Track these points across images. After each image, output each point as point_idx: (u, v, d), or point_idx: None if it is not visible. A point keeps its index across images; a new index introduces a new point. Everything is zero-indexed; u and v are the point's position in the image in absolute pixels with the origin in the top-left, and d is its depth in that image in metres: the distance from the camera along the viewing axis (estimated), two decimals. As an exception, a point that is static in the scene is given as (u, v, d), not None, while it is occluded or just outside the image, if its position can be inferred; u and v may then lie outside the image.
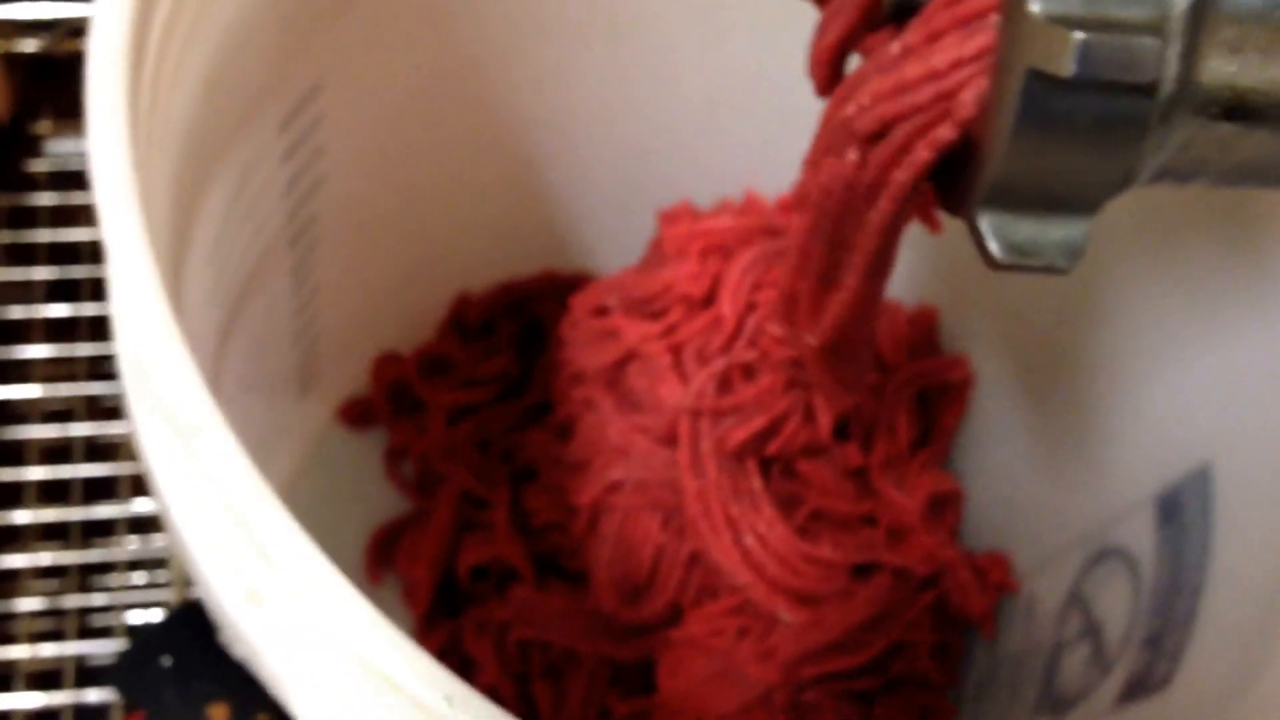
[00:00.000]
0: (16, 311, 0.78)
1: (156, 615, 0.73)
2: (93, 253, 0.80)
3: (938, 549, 0.68)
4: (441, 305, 0.81)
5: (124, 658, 0.59)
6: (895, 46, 0.39)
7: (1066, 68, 0.33)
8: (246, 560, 0.34)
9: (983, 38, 0.37)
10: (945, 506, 0.71)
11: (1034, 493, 0.67)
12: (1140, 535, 0.57)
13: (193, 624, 0.57)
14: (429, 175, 0.72)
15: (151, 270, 0.37)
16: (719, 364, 0.68)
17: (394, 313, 0.79)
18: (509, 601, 0.70)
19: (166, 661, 0.56)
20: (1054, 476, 0.66)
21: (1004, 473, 0.70)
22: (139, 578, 0.75)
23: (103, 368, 0.78)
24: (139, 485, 0.75)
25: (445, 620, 0.72)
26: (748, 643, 0.65)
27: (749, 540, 0.65)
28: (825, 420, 0.67)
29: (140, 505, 0.75)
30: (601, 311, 0.73)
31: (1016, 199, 0.37)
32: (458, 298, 0.81)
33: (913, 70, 0.38)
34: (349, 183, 0.66)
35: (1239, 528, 0.51)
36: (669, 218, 0.75)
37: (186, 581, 0.72)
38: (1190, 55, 0.34)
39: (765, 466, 0.67)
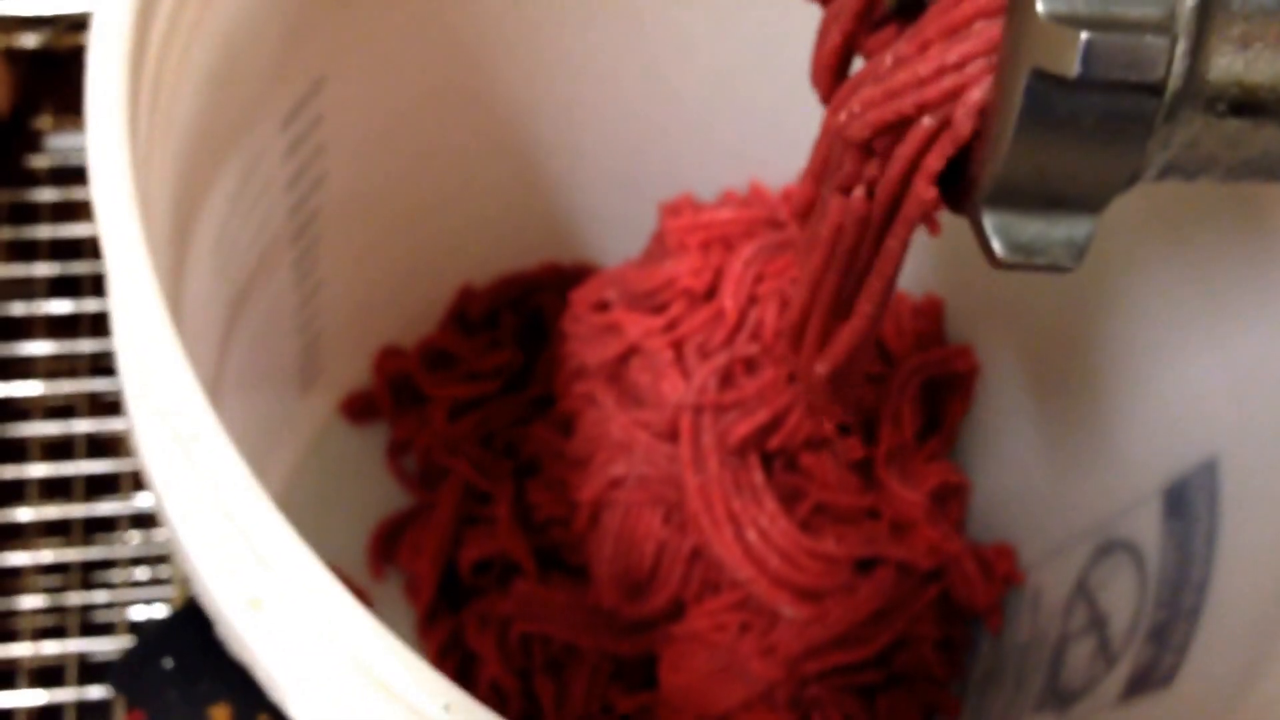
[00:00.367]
0: (18, 308, 0.78)
1: (159, 611, 0.73)
2: (94, 248, 0.80)
3: (942, 542, 0.67)
4: (443, 298, 0.81)
5: (125, 658, 0.59)
6: (889, 57, 0.39)
7: (1071, 67, 0.32)
8: (245, 566, 0.34)
9: (967, 45, 0.37)
10: (951, 498, 0.71)
11: (1040, 484, 0.67)
12: (1147, 528, 0.57)
13: (194, 624, 0.56)
14: (431, 169, 0.72)
15: (149, 273, 0.36)
16: (721, 358, 0.68)
17: (396, 306, 0.79)
18: (511, 596, 0.69)
19: (168, 663, 0.56)
20: (1061, 468, 0.65)
21: (1010, 464, 0.70)
22: (141, 574, 0.75)
23: (104, 363, 0.78)
24: (141, 481, 0.74)
25: (448, 614, 0.72)
26: (750, 638, 0.65)
27: (751, 535, 0.65)
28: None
29: (142, 501, 0.75)
30: (602, 306, 0.72)
31: (1021, 198, 0.37)
32: (460, 290, 0.80)
33: (900, 78, 0.38)
34: (351, 178, 0.66)
35: (1246, 521, 0.50)
36: (670, 210, 0.74)
37: (188, 579, 0.72)
38: (1198, 52, 0.34)
39: (767, 461, 0.67)
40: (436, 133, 0.71)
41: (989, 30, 0.36)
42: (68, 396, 0.78)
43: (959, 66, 0.37)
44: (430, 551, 0.72)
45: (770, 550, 0.65)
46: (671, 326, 0.70)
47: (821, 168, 0.44)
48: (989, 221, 0.37)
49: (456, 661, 0.70)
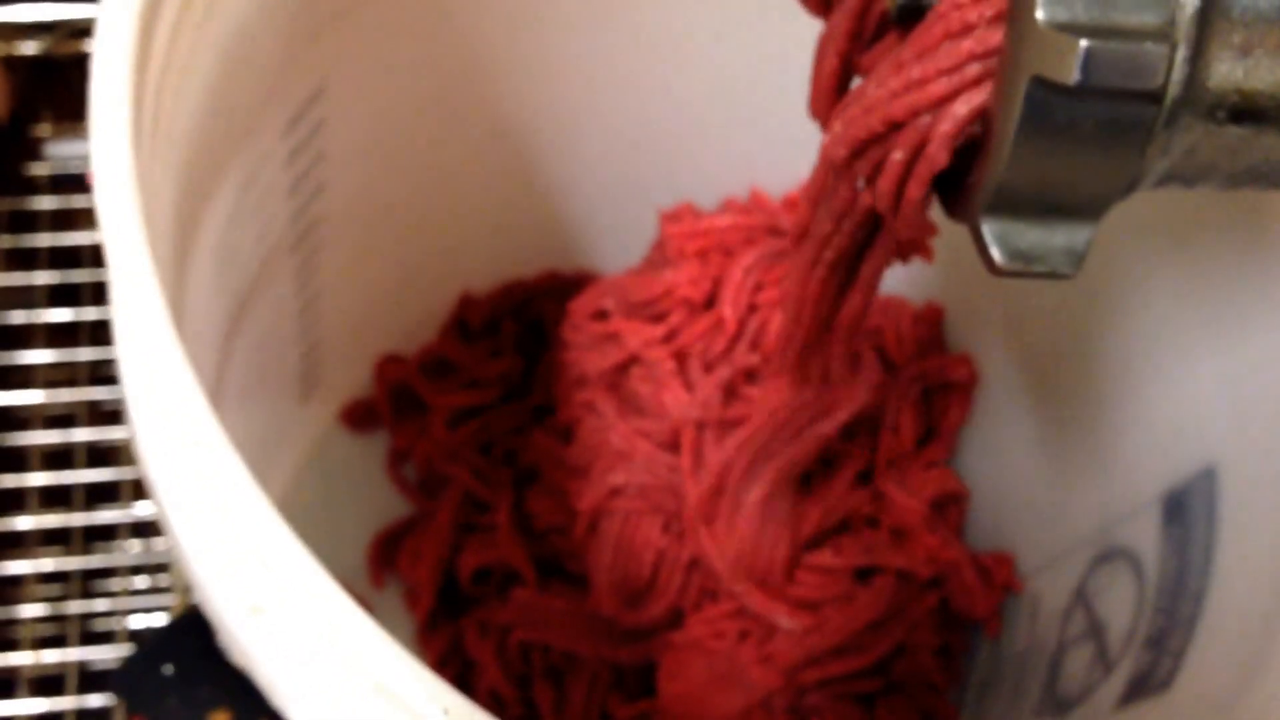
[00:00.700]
0: (18, 316, 0.78)
1: (159, 620, 0.73)
2: (94, 257, 0.80)
3: (941, 550, 0.67)
4: (444, 307, 0.81)
5: (126, 665, 0.59)
6: (870, 83, 0.39)
7: (1071, 75, 0.33)
8: (247, 572, 0.34)
9: (931, 64, 0.37)
10: (950, 506, 0.71)
11: (1040, 492, 0.67)
12: (1145, 535, 0.57)
13: (195, 631, 0.56)
14: (431, 177, 0.72)
15: (153, 280, 0.37)
16: (724, 372, 0.68)
17: (396, 315, 0.79)
18: (511, 604, 0.70)
19: (168, 669, 0.56)
20: (1060, 476, 0.65)
21: (1010, 472, 0.70)
22: (141, 582, 0.74)
23: (104, 372, 0.78)
24: (141, 490, 0.75)
25: (447, 622, 0.72)
26: (749, 646, 0.65)
27: (747, 548, 0.65)
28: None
29: (142, 509, 0.75)
30: (600, 315, 0.73)
31: (1020, 205, 0.37)
32: (461, 299, 0.80)
33: (874, 94, 0.38)
34: (352, 186, 0.66)
35: (1243, 528, 0.50)
36: (670, 218, 0.74)
37: (188, 587, 0.72)
38: (1197, 59, 0.34)
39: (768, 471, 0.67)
40: (438, 141, 0.71)
41: (955, 49, 0.37)
42: (68, 405, 0.77)
43: (922, 83, 0.37)
44: (430, 560, 0.72)
45: (766, 563, 0.65)
46: (671, 336, 0.70)
47: (818, 193, 0.44)
48: (988, 229, 0.38)
49: (456, 669, 0.70)
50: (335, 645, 0.33)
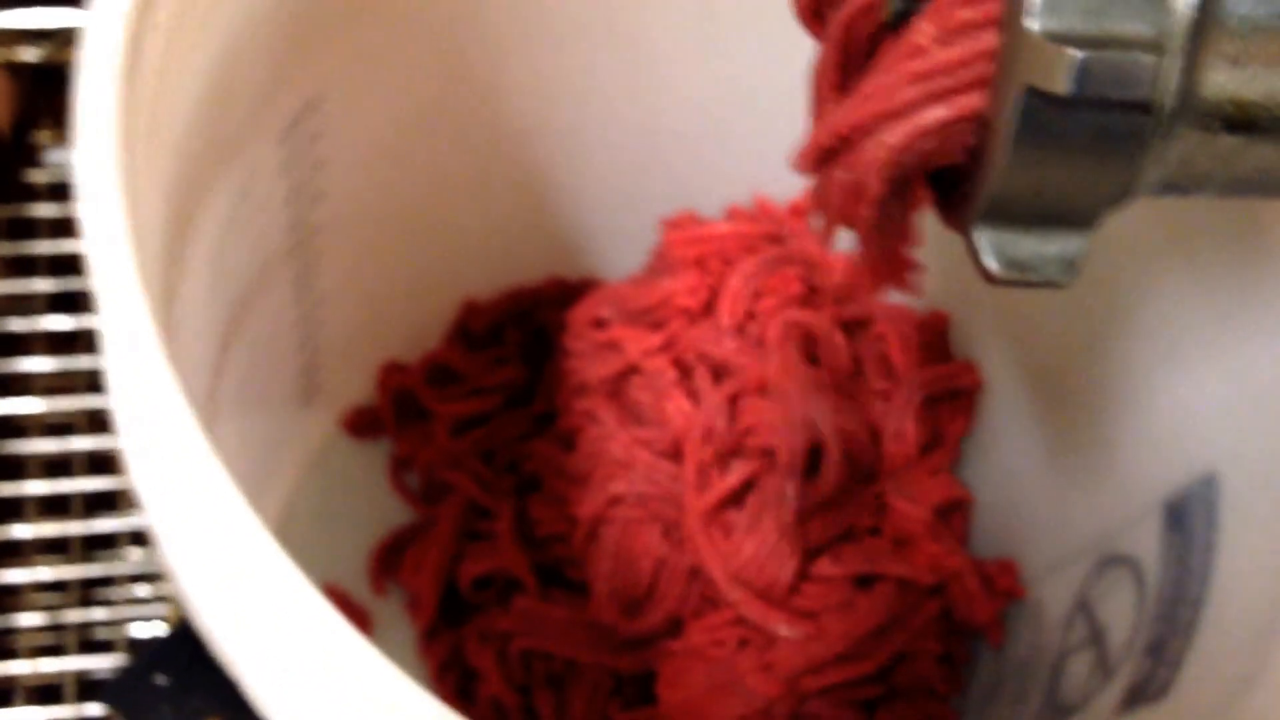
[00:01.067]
0: (16, 324, 0.78)
1: (159, 629, 0.73)
2: (93, 263, 0.79)
3: (944, 557, 0.67)
4: (446, 313, 0.80)
5: (120, 675, 0.59)
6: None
7: (1063, 85, 0.32)
8: (237, 592, 0.34)
9: (868, 89, 0.38)
10: (954, 513, 0.71)
11: (1043, 499, 0.67)
12: (1147, 542, 0.57)
13: (189, 641, 0.56)
14: (433, 184, 0.72)
15: (138, 290, 0.36)
16: (729, 384, 0.68)
17: (399, 322, 0.78)
18: (512, 612, 0.69)
19: (162, 679, 0.56)
20: (1063, 483, 0.65)
21: (1013, 479, 0.70)
22: (141, 591, 0.74)
23: (103, 381, 0.77)
24: (140, 498, 0.74)
25: (448, 630, 0.72)
26: (748, 654, 0.65)
27: (746, 558, 0.65)
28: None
29: (141, 518, 0.75)
30: (599, 324, 0.72)
31: (1015, 214, 0.37)
32: (464, 306, 0.80)
33: (833, 116, 0.38)
34: (351, 194, 0.66)
35: (1242, 535, 0.50)
36: (671, 225, 0.74)
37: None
38: (1191, 69, 0.34)
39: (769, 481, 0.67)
40: (438, 149, 0.71)
41: (901, 69, 0.37)
42: (67, 413, 0.77)
43: (865, 100, 0.37)
44: (431, 568, 0.72)
45: (771, 579, 0.65)
46: (670, 344, 0.70)
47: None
48: (983, 238, 0.37)
49: (457, 678, 0.70)
50: (328, 666, 0.33)
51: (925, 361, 0.72)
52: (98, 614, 0.73)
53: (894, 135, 0.37)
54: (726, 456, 0.67)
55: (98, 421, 0.77)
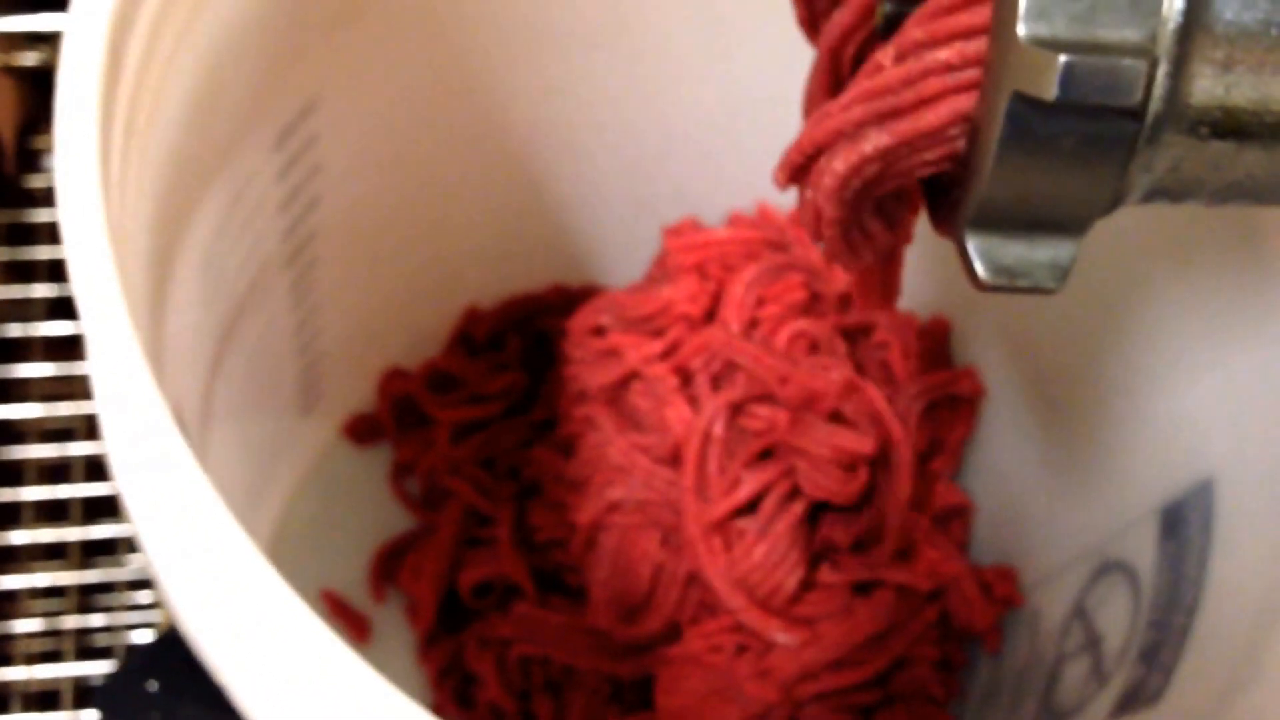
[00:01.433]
0: (15, 329, 0.78)
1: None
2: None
3: (942, 563, 0.67)
4: (447, 320, 0.80)
5: (110, 681, 0.59)
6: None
7: (1050, 91, 0.32)
8: (223, 605, 0.33)
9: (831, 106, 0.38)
10: (954, 519, 0.71)
11: (1041, 506, 0.67)
12: (1142, 549, 0.57)
13: (180, 647, 0.56)
14: (432, 190, 0.72)
15: (119, 299, 0.36)
16: (731, 391, 0.68)
17: (399, 328, 0.78)
18: (511, 618, 0.69)
19: (153, 685, 0.56)
20: (1061, 489, 0.65)
21: (1011, 486, 0.70)
22: (139, 597, 0.74)
23: (98, 387, 0.77)
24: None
25: (448, 636, 0.72)
26: (746, 660, 0.65)
27: (744, 566, 0.65)
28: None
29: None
30: (598, 331, 0.72)
31: (1003, 220, 0.37)
32: (466, 312, 0.80)
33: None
34: (349, 199, 0.66)
35: (1236, 542, 0.51)
36: (672, 232, 0.74)
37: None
38: (1179, 75, 0.34)
39: (769, 489, 0.67)
40: (438, 154, 0.71)
41: (842, 98, 0.37)
42: (65, 419, 0.77)
43: (823, 119, 0.37)
44: (431, 574, 0.72)
45: (773, 587, 0.65)
46: (670, 351, 0.70)
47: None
48: (972, 244, 0.37)
49: (456, 683, 0.70)
50: (316, 678, 0.32)
51: (926, 368, 0.72)
52: (95, 620, 0.73)
53: (840, 161, 0.38)
54: (737, 465, 0.67)
55: (96, 427, 0.77)
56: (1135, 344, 0.59)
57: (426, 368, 0.79)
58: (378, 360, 0.78)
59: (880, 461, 0.67)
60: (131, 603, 0.74)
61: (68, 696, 0.71)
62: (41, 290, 0.79)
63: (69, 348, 0.78)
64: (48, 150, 0.84)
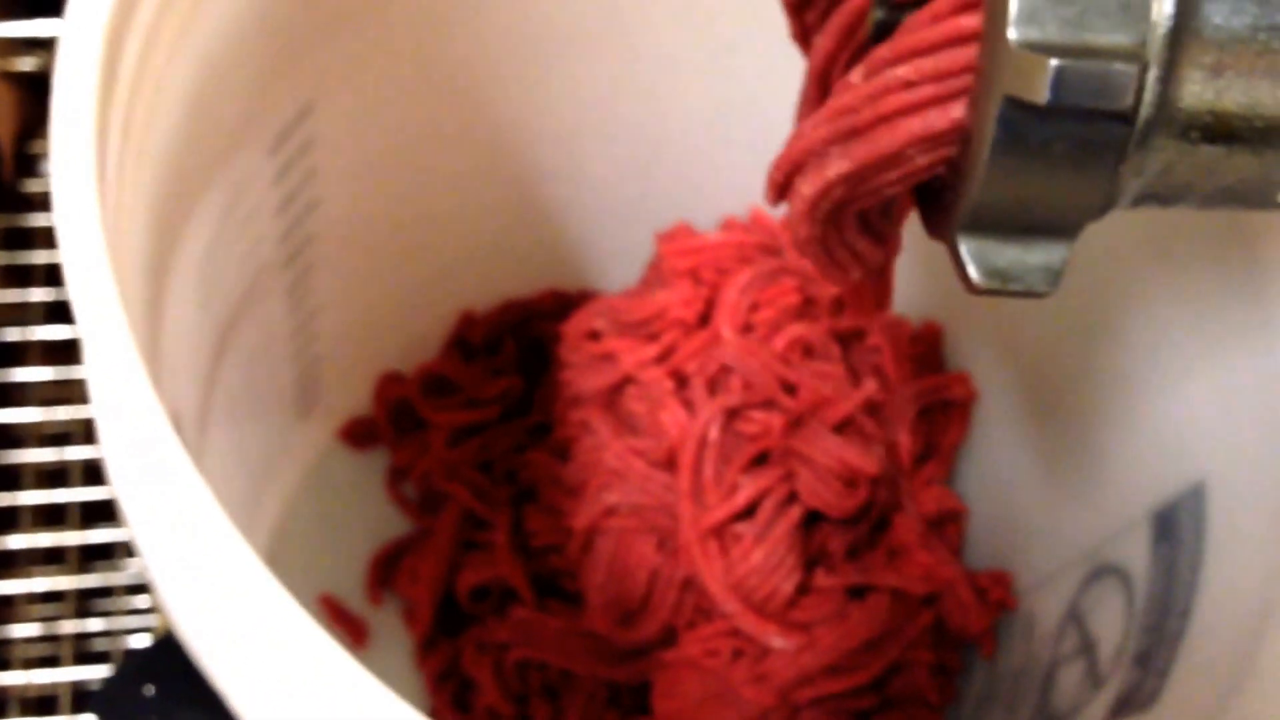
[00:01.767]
0: (13, 334, 0.78)
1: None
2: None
3: (937, 568, 0.67)
4: (444, 324, 0.80)
5: (106, 686, 0.59)
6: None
7: (1041, 94, 0.32)
8: (221, 610, 0.33)
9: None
10: (948, 524, 0.71)
11: (1035, 510, 0.67)
12: (1136, 552, 0.57)
13: (176, 651, 0.56)
14: (429, 194, 0.72)
15: (116, 303, 0.36)
16: (728, 398, 0.68)
17: (396, 332, 0.78)
18: (508, 622, 0.69)
19: (149, 690, 0.56)
20: (1055, 494, 0.65)
21: (1005, 490, 0.70)
22: (137, 602, 0.74)
23: (97, 391, 0.77)
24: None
25: (445, 640, 0.72)
26: (742, 664, 0.65)
27: (740, 571, 0.65)
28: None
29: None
30: (593, 335, 0.72)
31: (996, 224, 0.37)
32: (462, 317, 0.80)
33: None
34: (345, 203, 0.66)
35: (1229, 546, 0.51)
36: (666, 238, 0.74)
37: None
38: (1169, 79, 0.34)
39: (766, 493, 0.67)
40: (434, 159, 0.71)
41: (810, 128, 0.37)
42: (63, 423, 0.77)
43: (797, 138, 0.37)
44: (428, 579, 0.72)
45: (770, 592, 0.65)
46: (665, 355, 0.70)
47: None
48: (965, 247, 0.37)
49: (454, 688, 0.70)
50: (313, 683, 0.32)
51: (919, 373, 0.72)
52: (94, 625, 0.73)
53: (806, 185, 0.38)
54: (733, 470, 0.67)
55: (94, 431, 0.77)
56: (1127, 348, 0.59)
57: (423, 372, 0.79)
58: (374, 364, 0.78)
59: (881, 481, 0.67)
60: (129, 607, 0.74)
61: (65, 701, 0.71)
62: (39, 295, 0.79)
63: (67, 352, 0.78)
64: (45, 155, 0.84)
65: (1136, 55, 0.33)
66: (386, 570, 0.75)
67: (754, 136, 0.72)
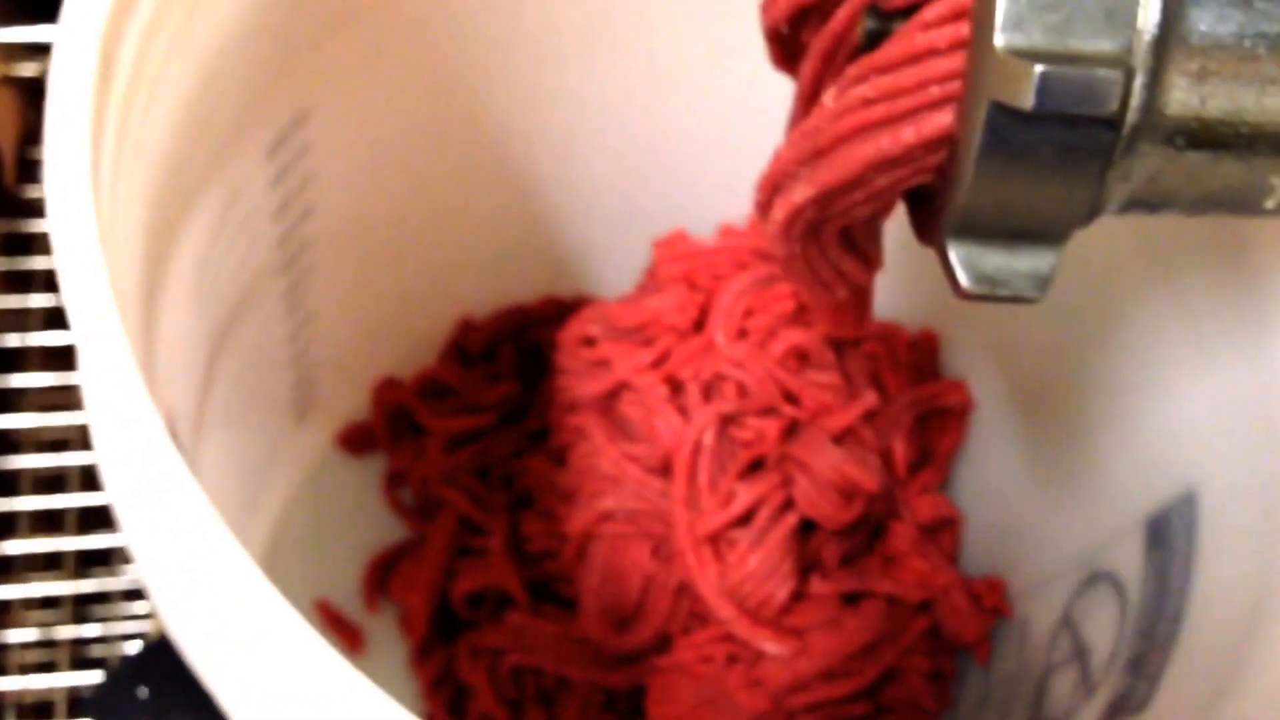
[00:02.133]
0: (12, 340, 0.78)
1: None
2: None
3: (931, 574, 0.67)
4: (441, 330, 0.80)
5: (101, 689, 0.59)
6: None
7: (1026, 100, 0.33)
8: (218, 618, 0.33)
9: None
10: (943, 531, 0.71)
11: (1029, 516, 0.67)
12: (1129, 559, 0.57)
13: (170, 654, 0.56)
14: (426, 200, 0.72)
15: (112, 308, 0.36)
16: (722, 401, 0.68)
17: (393, 338, 0.78)
18: (503, 628, 0.69)
19: (143, 692, 0.56)
20: (1049, 500, 0.65)
21: (1000, 496, 0.70)
22: (134, 607, 0.74)
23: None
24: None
25: (441, 646, 0.72)
26: (737, 670, 0.65)
27: (735, 576, 0.65)
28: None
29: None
30: (588, 342, 0.73)
31: (984, 229, 0.37)
32: (460, 323, 0.80)
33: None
34: (343, 209, 0.66)
35: (1220, 552, 0.51)
36: (661, 245, 0.74)
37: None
38: (1155, 86, 0.34)
39: (761, 499, 0.67)
40: (430, 165, 0.71)
41: (785, 148, 0.37)
42: (61, 429, 0.77)
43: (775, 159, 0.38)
44: (424, 584, 0.72)
45: (764, 598, 0.65)
46: (660, 361, 0.70)
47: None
48: (954, 252, 0.38)
49: (449, 693, 0.70)
50: (309, 689, 0.32)
51: (915, 380, 0.72)
52: (90, 630, 0.73)
53: (778, 210, 0.38)
54: (729, 477, 0.67)
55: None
56: (1119, 357, 0.59)
57: (420, 377, 0.79)
58: (371, 370, 0.78)
59: (878, 496, 0.67)
60: (126, 613, 0.74)
61: (61, 707, 0.71)
62: (39, 300, 0.79)
63: (65, 358, 0.78)
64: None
65: (1122, 61, 0.33)
66: (383, 576, 0.75)
67: (751, 143, 0.72)
